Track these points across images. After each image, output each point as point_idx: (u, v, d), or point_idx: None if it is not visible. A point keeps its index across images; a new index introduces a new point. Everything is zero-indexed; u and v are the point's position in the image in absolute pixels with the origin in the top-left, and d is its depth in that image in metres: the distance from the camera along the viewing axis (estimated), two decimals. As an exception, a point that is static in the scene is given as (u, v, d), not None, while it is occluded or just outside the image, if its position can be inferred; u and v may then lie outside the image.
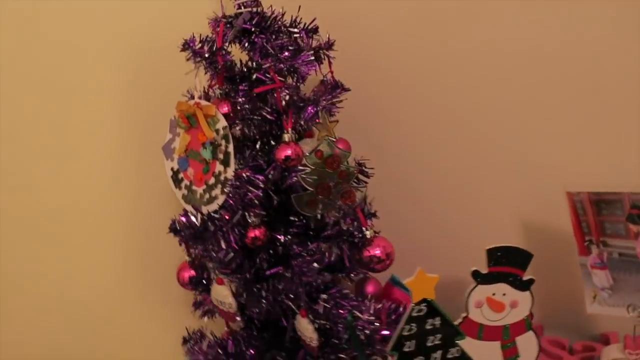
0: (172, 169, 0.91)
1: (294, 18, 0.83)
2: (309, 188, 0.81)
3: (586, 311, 0.95)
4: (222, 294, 0.87)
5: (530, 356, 0.88)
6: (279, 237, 0.87)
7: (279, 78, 0.77)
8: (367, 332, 0.81)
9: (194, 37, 0.82)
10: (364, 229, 0.85)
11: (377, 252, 0.84)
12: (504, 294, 0.86)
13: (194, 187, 0.87)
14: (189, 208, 0.86)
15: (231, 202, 0.79)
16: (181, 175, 0.89)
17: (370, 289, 1.09)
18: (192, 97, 0.88)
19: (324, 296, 0.83)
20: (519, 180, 1.05)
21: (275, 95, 0.78)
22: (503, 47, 0.99)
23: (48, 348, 1.30)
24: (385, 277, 1.10)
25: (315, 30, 0.84)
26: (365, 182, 0.86)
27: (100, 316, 1.26)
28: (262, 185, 0.79)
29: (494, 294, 0.86)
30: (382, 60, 1.06)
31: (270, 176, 0.82)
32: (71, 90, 1.13)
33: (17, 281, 1.26)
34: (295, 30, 0.81)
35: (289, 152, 0.78)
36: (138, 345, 1.26)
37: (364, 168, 0.85)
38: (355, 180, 0.84)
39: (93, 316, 1.26)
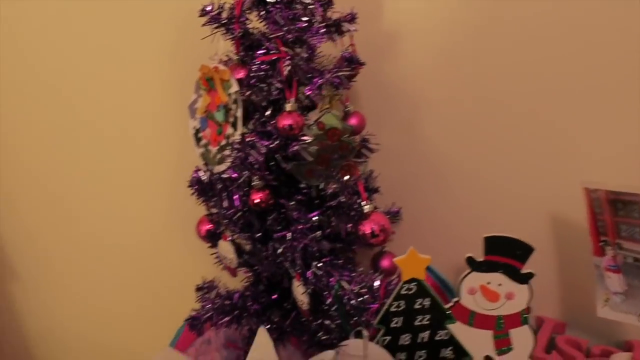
0: (194, 127, 0.96)
1: (308, -12, 0.84)
2: (309, 158, 0.83)
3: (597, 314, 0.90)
4: (226, 249, 0.93)
5: (524, 350, 0.86)
6: (283, 202, 0.90)
7: (283, 49, 0.79)
8: (353, 303, 0.83)
9: (212, 3, 0.86)
10: (362, 202, 0.86)
11: (372, 226, 0.85)
12: (500, 285, 0.84)
13: (209, 147, 0.93)
14: (201, 166, 0.92)
15: (234, 163, 0.83)
16: (201, 134, 0.95)
17: (385, 263, 1.11)
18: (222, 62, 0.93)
19: (318, 263, 0.86)
20: (547, 171, 1.00)
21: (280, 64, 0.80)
22: (528, 38, 0.94)
23: (106, 282, 1.45)
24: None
25: (329, 2, 0.85)
26: (367, 157, 0.86)
27: (147, 258, 1.38)
28: (263, 151, 0.83)
29: (488, 283, 0.84)
30: (410, 40, 1.04)
31: (276, 142, 0.85)
32: (122, 52, 1.23)
33: (82, 228, 1.42)
34: (309, 1, 0.82)
35: (289, 121, 0.81)
36: (179, 286, 1.36)
37: (367, 144, 0.86)
38: (357, 154, 0.85)
39: (141, 259, 1.39)
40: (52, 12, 1.28)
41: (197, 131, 0.96)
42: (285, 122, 0.81)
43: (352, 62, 0.88)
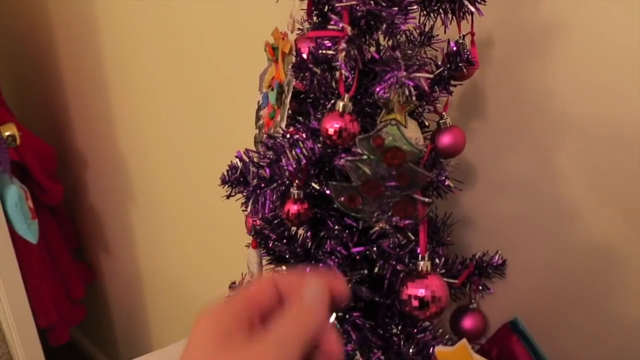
0: (258, 102, 0.79)
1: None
2: (355, 180, 0.61)
3: None
4: (251, 260, 0.76)
5: None
6: (328, 222, 0.69)
7: (345, 25, 0.56)
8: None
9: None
10: (419, 256, 0.62)
11: (420, 291, 0.61)
12: None
13: (263, 130, 0.75)
14: (242, 151, 0.74)
15: (265, 162, 0.64)
16: (261, 112, 0.77)
17: (468, 324, 0.86)
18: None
19: (339, 313, 0.65)
20: None
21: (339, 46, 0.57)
22: None
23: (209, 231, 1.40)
24: (503, 315, 0.84)
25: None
26: (442, 197, 0.61)
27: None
28: (302, 155, 0.62)
29: None
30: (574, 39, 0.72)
31: (323, 147, 0.64)
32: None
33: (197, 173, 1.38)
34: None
35: (337, 125, 0.59)
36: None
37: (445, 178, 0.60)
38: (426, 190, 0.60)
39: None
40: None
41: (259, 108, 0.78)
42: (329, 124, 0.59)
43: (457, 60, 0.62)
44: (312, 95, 0.67)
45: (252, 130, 1.09)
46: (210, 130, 1.31)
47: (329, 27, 0.57)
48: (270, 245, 0.79)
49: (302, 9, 0.66)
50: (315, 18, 0.66)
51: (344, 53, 0.55)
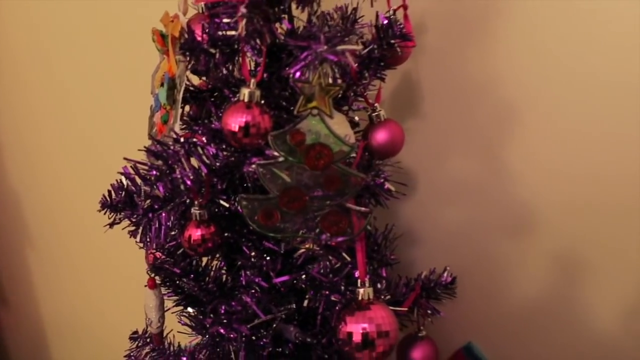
0: (150, 106, 0.64)
1: None
2: (271, 190, 0.47)
3: None
4: (148, 304, 0.60)
5: None
6: (244, 248, 0.55)
7: (245, -14, 0.43)
8: None
9: None
10: (358, 282, 0.49)
11: (363, 328, 0.47)
12: None
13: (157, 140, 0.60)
14: (130, 166, 0.59)
15: (156, 176, 0.49)
16: (155, 118, 0.63)
17: (417, 355, 0.75)
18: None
19: (263, 366, 0.51)
20: None
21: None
22: None
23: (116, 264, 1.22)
24: (455, 340, 0.73)
25: None
26: (381, 205, 0.48)
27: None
28: (203, 164, 0.48)
29: None
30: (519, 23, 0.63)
31: (232, 152, 0.50)
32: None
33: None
34: None
35: (242, 119, 0.45)
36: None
37: (384, 181, 0.48)
38: (360, 197, 0.47)
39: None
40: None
41: (152, 113, 0.64)
42: (232, 119, 0.45)
43: (389, 34, 0.50)
44: (215, 94, 0.54)
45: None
46: (110, 155, 1.14)
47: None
48: (177, 282, 0.64)
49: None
50: (210, -7, 0.52)
51: (244, 21, 0.42)
